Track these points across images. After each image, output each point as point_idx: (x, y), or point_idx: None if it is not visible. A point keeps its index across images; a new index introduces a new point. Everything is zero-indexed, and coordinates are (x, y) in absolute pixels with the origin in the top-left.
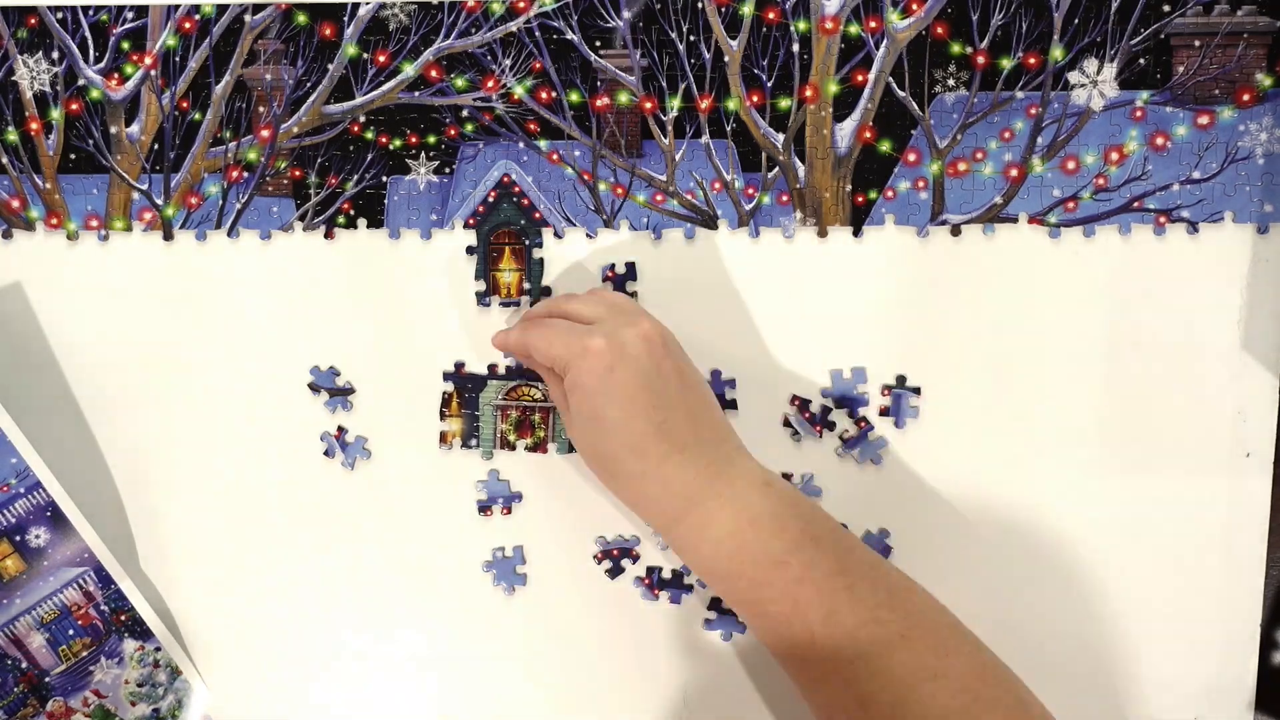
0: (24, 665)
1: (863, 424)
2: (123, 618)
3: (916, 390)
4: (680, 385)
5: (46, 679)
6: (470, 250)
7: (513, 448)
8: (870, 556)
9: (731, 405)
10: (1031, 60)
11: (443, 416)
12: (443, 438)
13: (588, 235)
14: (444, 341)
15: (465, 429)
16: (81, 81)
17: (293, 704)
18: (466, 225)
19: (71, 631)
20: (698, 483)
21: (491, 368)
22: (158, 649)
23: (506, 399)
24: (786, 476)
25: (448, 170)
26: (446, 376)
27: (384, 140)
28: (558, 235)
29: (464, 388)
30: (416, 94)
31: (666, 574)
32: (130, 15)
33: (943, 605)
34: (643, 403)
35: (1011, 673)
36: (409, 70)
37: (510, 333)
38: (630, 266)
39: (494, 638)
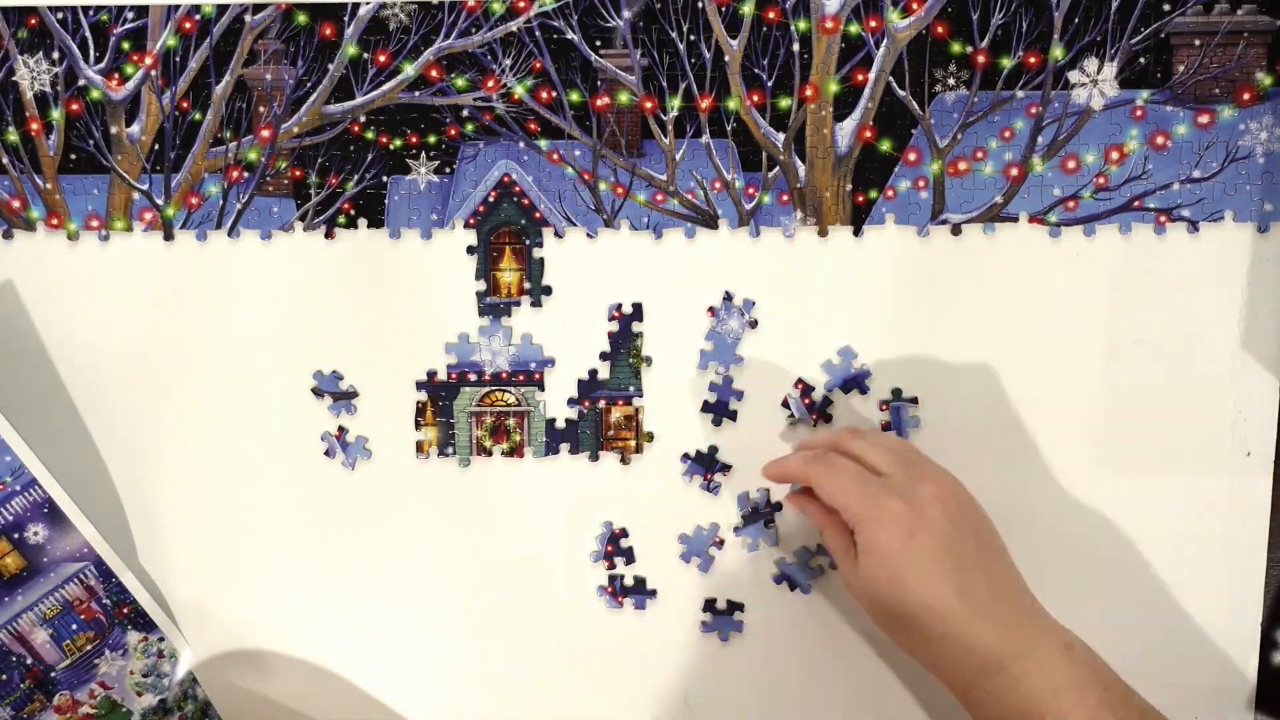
0: (29, 661)
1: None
2: (125, 610)
3: (914, 400)
4: (978, 545)
5: (52, 673)
6: (470, 250)
7: (489, 454)
8: (1155, 716)
9: (730, 414)
10: (1032, 59)
11: (418, 426)
12: (419, 447)
13: (588, 235)
14: (443, 341)
15: (441, 437)
16: (82, 82)
17: (287, 691)
18: (467, 225)
19: (75, 626)
20: (1000, 646)
21: (464, 374)
22: (161, 639)
23: (480, 405)
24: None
25: (448, 170)
26: (419, 385)
27: (384, 140)
28: (558, 235)
29: (438, 396)
30: (417, 94)
31: (629, 580)
32: (130, 15)
33: None
34: (945, 567)
35: None
36: (409, 70)
37: (790, 462)
38: (637, 308)
39: (493, 636)
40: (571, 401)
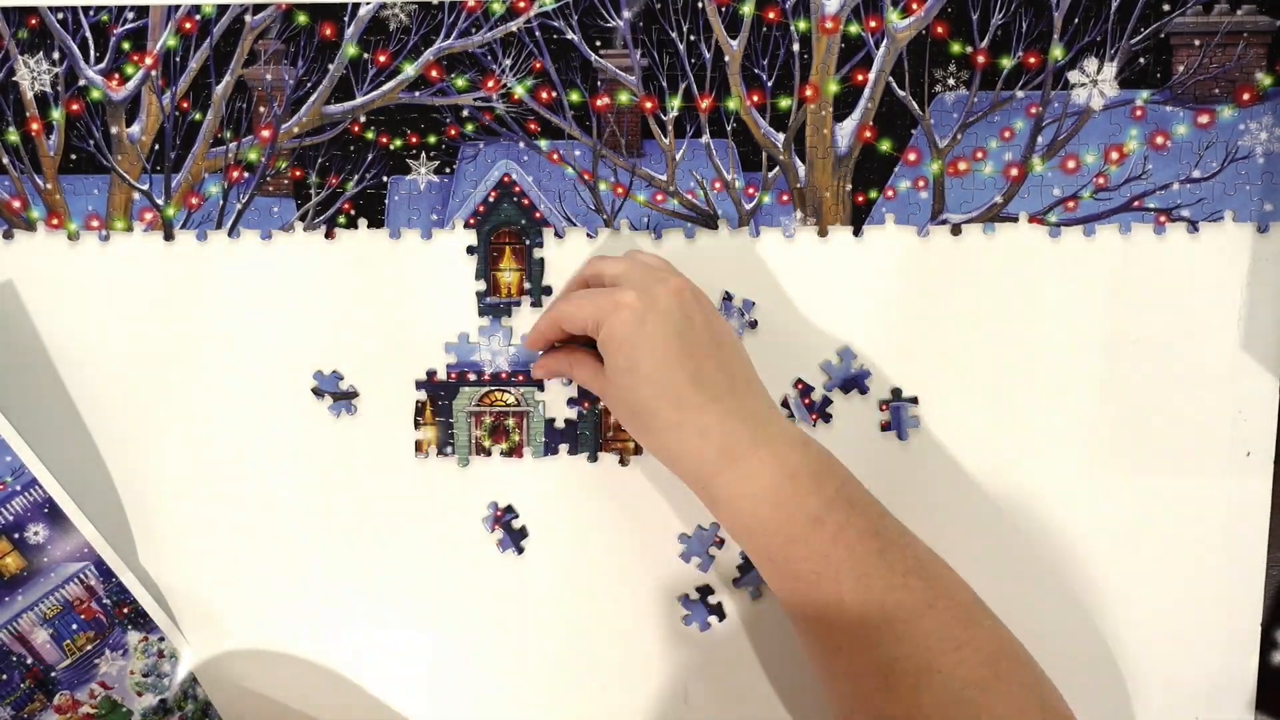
0: (29, 661)
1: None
2: (125, 610)
3: (914, 400)
4: (712, 337)
5: (53, 673)
6: (471, 250)
7: (488, 453)
8: (899, 524)
9: None
10: (1031, 60)
11: (417, 426)
12: (418, 446)
13: (588, 235)
14: (443, 341)
15: (440, 437)
16: (82, 82)
17: (287, 691)
18: (467, 225)
19: (75, 626)
20: (736, 435)
21: (464, 373)
22: (161, 639)
23: (480, 405)
24: None
25: (448, 170)
26: (419, 385)
27: (384, 140)
28: (558, 235)
29: (437, 396)
30: (417, 94)
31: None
32: (131, 15)
33: (964, 580)
34: (676, 351)
35: (1027, 653)
36: (409, 70)
37: (539, 322)
38: None
39: (493, 634)
40: (571, 402)
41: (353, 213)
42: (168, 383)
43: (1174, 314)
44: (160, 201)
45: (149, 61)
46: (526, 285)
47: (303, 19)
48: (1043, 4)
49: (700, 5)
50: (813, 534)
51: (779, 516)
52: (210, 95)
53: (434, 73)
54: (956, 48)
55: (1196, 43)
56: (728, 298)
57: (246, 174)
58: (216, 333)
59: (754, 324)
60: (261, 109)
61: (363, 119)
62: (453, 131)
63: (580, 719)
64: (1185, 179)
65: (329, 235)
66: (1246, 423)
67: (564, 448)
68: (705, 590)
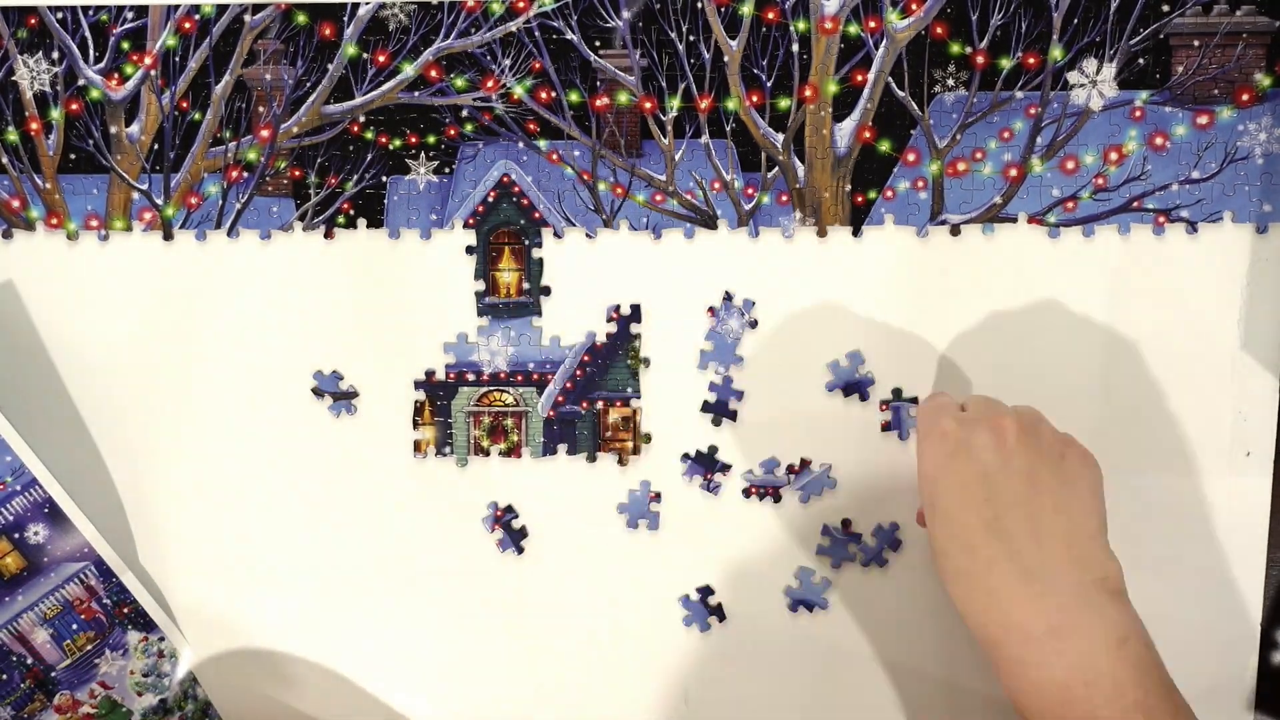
0: (30, 661)
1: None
2: (125, 610)
3: (914, 400)
4: (1027, 487)
5: (53, 673)
6: (470, 250)
7: (487, 454)
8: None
9: (730, 414)
10: (1031, 60)
11: (416, 425)
12: (417, 446)
13: (587, 235)
14: (442, 341)
15: (439, 437)
16: (81, 81)
17: (287, 691)
18: (466, 225)
19: (75, 626)
20: (1032, 611)
21: (463, 374)
22: (161, 639)
23: (478, 405)
24: (805, 464)
25: (447, 170)
26: (418, 385)
27: (384, 140)
28: (557, 235)
29: (435, 396)
30: (416, 94)
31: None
32: (130, 15)
33: None
34: (974, 495)
35: None
36: (409, 70)
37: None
38: (635, 308)
39: (493, 636)
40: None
41: (352, 213)
42: (167, 382)
43: (1174, 314)
44: (159, 201)
45: (148, 61)
46: (525, 285)
47: (302, 19)
48: (1042, 4)
49: (700, 5)
50: None
51: (1062, 714)
52: (209, 95)
53: (433, 73)
54: (956, 48)
55: (1196, 43)
56: (728, 297)
57: (246, 174)
58: (216, 332)
59: (754, 324)
60: (261, 109)
61: (362, 119)
62: (452, 131)
63: (580, 719)
64: (1184, 180)
65: (328, 235)
66: (1246, 423)
67: (562, 448)
68: (705, 590)
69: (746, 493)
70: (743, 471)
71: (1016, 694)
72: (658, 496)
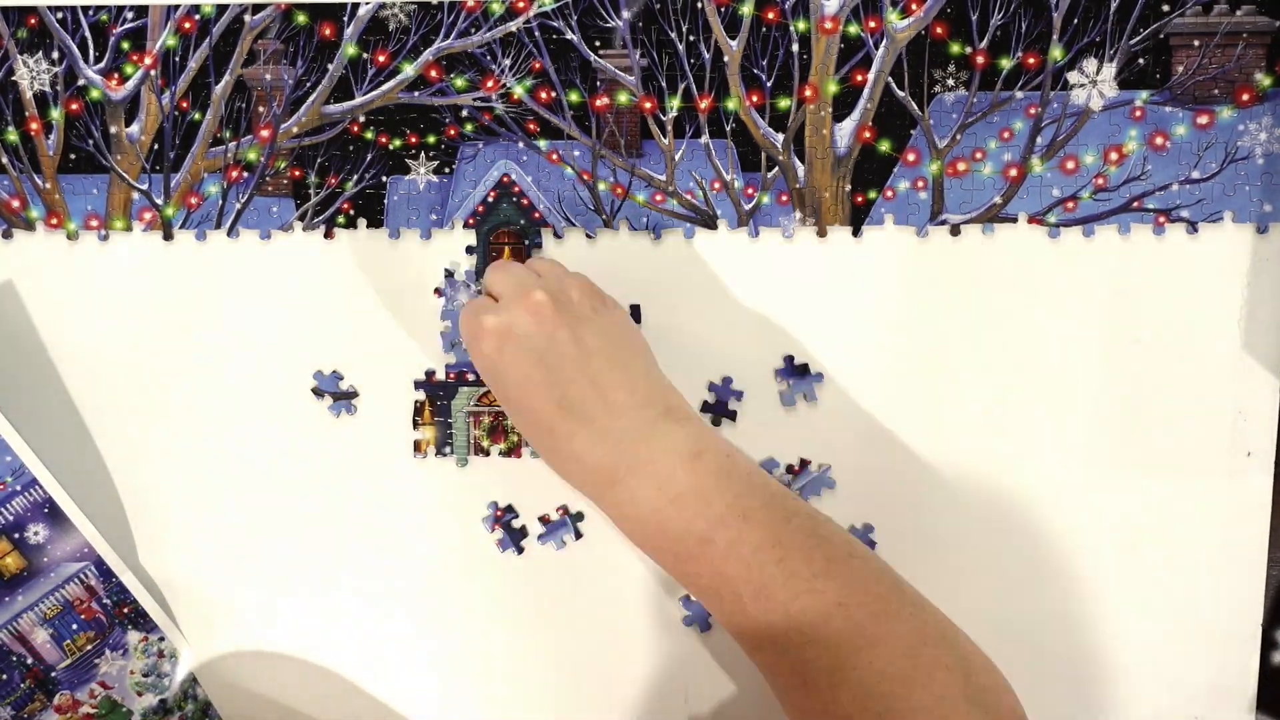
0: (29, 661)
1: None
2: (125, 610)
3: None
4: (579, 354)
5: (52, 673)
6: (470, 250)
7: (487, 454)
8: (809, 523)
9: (729, 414)
10: (1031, 60)
11: (416, 425)
12: (417, 446)
13: (587, 235)
14: (442, 341)
15: (439, 437)
16: (81, 81)
17: (287, 691)
18: (466, 225)
19: (75, 626)
20: (612, 458)
21: (463, 373)
22: (161, 639)
23: (478, 405)
24: (804, 464)
25: (447, 170)
26: (418, 385)
27: (384, 140)
28: (557, 235)
29: (435, 396)
30: (416, 94)
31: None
32: (130, 15)
33: (885, 566)
34: (537, 380)
35: (954, 629)
36: (409, 70)
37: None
38: (635, 308)
39: (492, 634)
40: None
41: (352, 213)
42: (167, 382)
43: (1174, 314)
44: (159, 201)
45: (148, 61)
46: None
47: (302, 19)
48: (1042, 4)
49: (699, 5)
50: (703, 552)
51: (665, 537)
52: (209, 95)
53: (433, 73)
54: (956, 48)
55: (1196, 43)
56: (449, 274)
57: (246, 174)
58: (216, 333)
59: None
60: (261, 109)
61: (362, 119)
62: (452, 131)
63: (580, 719)
64: (1184, 180)
65: (328, 235)
66: (1246, 423)
67: None
68: None
69: None
70: None
71: (630, 535)
72: None
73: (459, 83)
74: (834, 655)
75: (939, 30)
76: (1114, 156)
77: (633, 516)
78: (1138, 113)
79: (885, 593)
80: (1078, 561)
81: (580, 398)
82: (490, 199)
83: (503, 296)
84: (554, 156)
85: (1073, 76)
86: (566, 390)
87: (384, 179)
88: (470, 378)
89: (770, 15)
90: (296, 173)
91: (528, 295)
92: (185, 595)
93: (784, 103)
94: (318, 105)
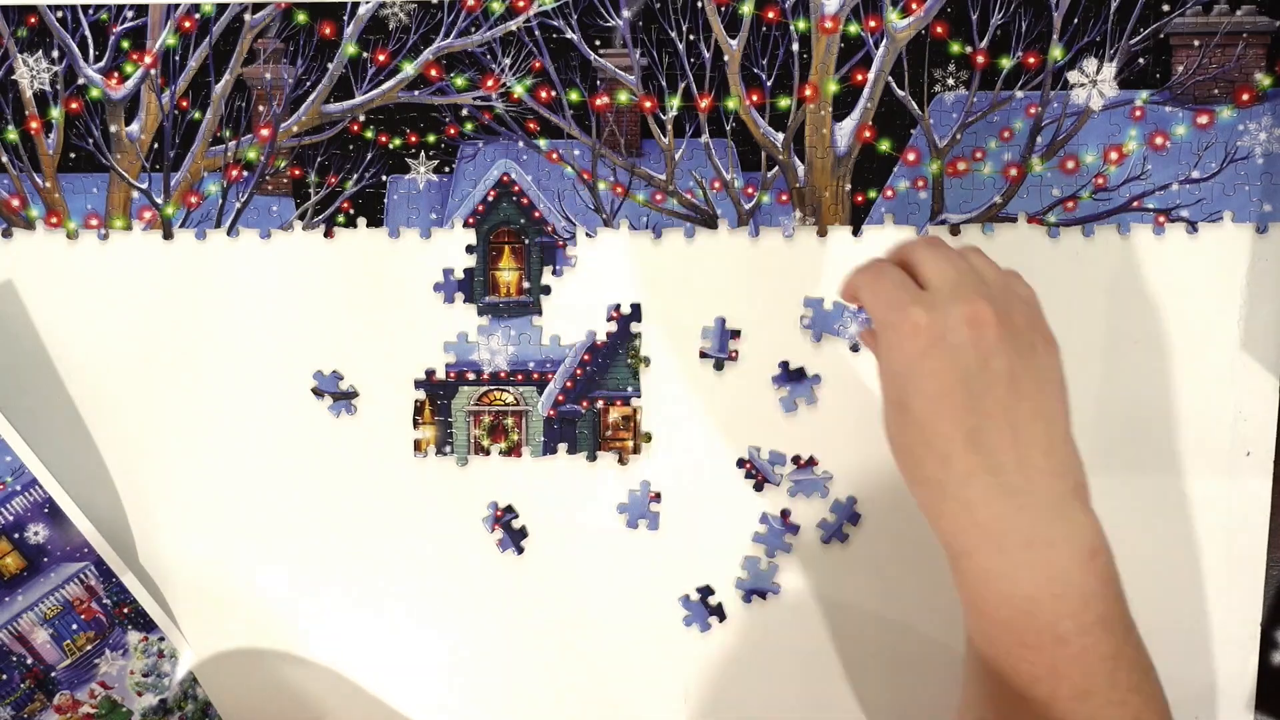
0: (29, 661)
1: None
2: (125, 610)
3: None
4: (1009, 391)
5: (53, 673)
6: (470, 249)
7: (487, 453)
8: (1136, 636)
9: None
10: (1031, 60)
11: (416, 425)
12: (417, 445)
13: (587, 235)
14: (442, 341)
15: (439, 436)
16: (81, 80)
17: (287, 691)
18: (466, 225)
19: (75, 626)
20: (1007, 521)
21: (463, 373)
22: (161, 639)
23: (479, 404)
24: (812, 461)
25: (447, 169)
26: (418, 384)
27: (384, 139)
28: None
29: (435, 395)
30: (416, 93)
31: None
32: (130, 14)
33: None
34: (955, 402)
35: None
36: (409, 69)
37: (851, 276)
38: (635, 308)
39: (492, 635)
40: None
41: (352, 212)
42: (167, 382)
43: (1174, 314)
44: (159, 200)
45: (148, 60)
46: (525, 285)
47: (302, 18)
48: (1042, 4)
49: (700, 5)
50: (1053, 649)
51: (1025, 626)
52: (209, 94)
53: (433, 72)
54: (956, 48)
55: (1196, 43)
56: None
57: (245, 173)
58: (215, 332)
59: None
60: (261, 108)
61: (362, 118)
62: (452, 131)
63: (580, 718)
64: (1184, 179)
65: (328, 234)
66: (1246, 423)
67: (563, 447)
68: (705, 590)
69: (740, 463)
70: (736, 458)
71: (979, 604)
72: (658, 496)
73: (459, 82)
74: None
75: (939, 30)
76: (1114, 156)
77: (1000, 593)
78: (1138, 112)
79: (1164, 711)
80: None
81: (996, 440)
82: (490, 198)
83: (937, 290)
84: (554, 156)
85: (1073, 76)
86: (983, 424)
87: (384, 178)
88: (470, 377)
89: (770, 14)
90: (296, 172)
91: (971, 302)
92: (185, 595)
93: (784, 102)
94: (318, 104)
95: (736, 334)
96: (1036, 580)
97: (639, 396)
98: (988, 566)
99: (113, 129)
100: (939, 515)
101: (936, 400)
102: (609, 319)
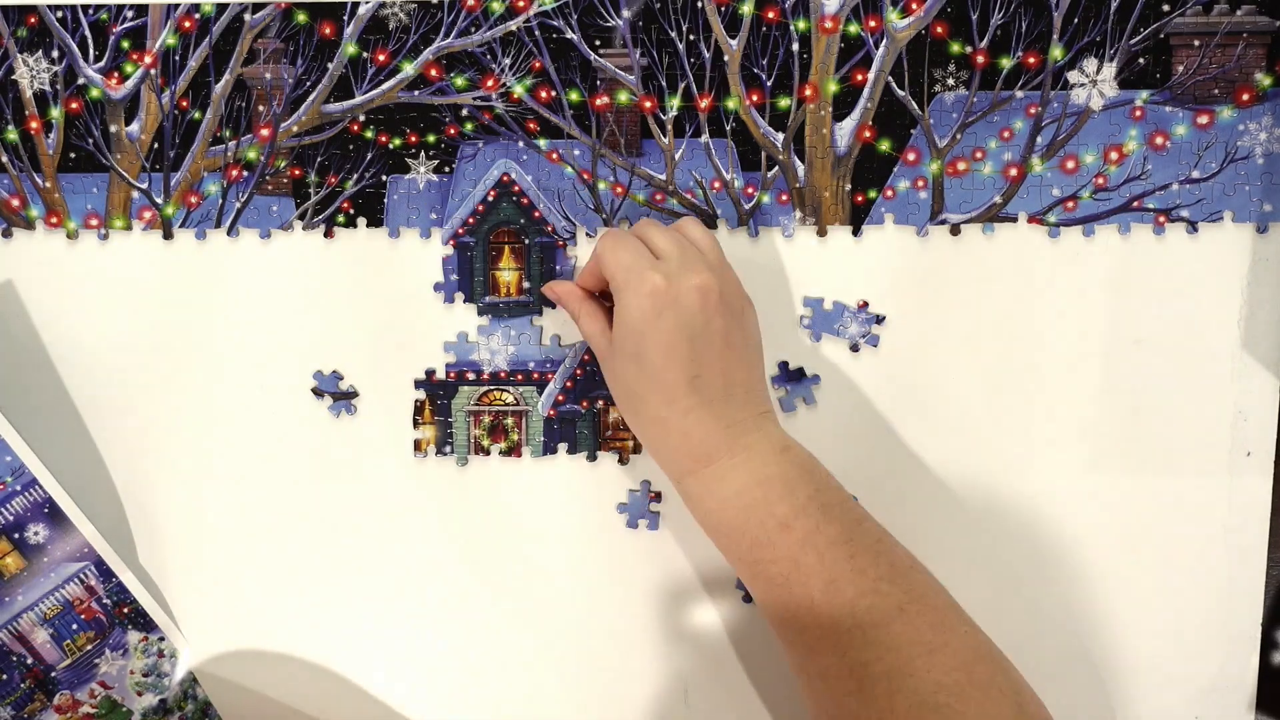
0: (29, 661)
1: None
2: (125, 610)
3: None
4: (724, 345)
5: (53, 673)
6: (467, 249)
7: (487, 453)
8: (877, 530)
9: None
10: (1031, 60)
11: (416, 425)
12: (417, 446)
13: (588, 235)
14: (442, 341)
15: (439, 436)
16: (81, 80)
17: (287, 691)
18: (456, 235)
19: (75, 626)
20: (716, 439)
21: (463, 373)
22: (161, 639)
23: (479, 404)
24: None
25: (447, 169)
26: (418, 384)
27: (384, 139)
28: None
29: (435, 395)
30: (416, 93)
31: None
32: (130, 14)
33: (942, 586)
34: (682, 353)
35: (1006, 659)
36: (409, 69)
37: (597, 241)
38: None
39: (492, 635)
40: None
41: (352, 212)
42: (167, 382)
43: (1174, 314)
44: (159, 200)
45: (148, 60)
46: (525, 284)
47: (302, 18)
48: (1042, 4)
49: (700, 5)
50: (780, 538)
51: (747, 519)
52: (209, 94)
53: (433, 72)
54: (956, 48)
55: (1196, 43)
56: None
57: (245, 173)
58: (215, 332)
59: None
60: (261, 108)
61: (362, 118)
62: (452, 131)
63: (580, 718)
64: (1185, 179)
65: (328, 234)
66: (1246, 423)
67: (563, 447)
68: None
69: None
70: None
71: (706, 514)
72: (658, 496)
73: (459, 82)
74: (893, 659)
75: (939, 30)
76: (1114, 156)
77: (719, 495)
78: (1138, 112)
79: (943, 606)
80: (1077, 562)
81: (710, 382)
82: (490, 198)
83: (669, 259)
84: (554, 156)
85: (1073, 76)
86: (701, 371)
87: (384, 178)
88: (470, 377)
89: (770, 14)
90: (296, 172)
91: (696, 273)
92: (185, 595)
93: (784, 102)
94: (318, 104)
95: None
96: (741, 475)
97: None
98: (705, 476)
99: (113, 129)
100: (661, 445)
101: (666, 353)
102: None
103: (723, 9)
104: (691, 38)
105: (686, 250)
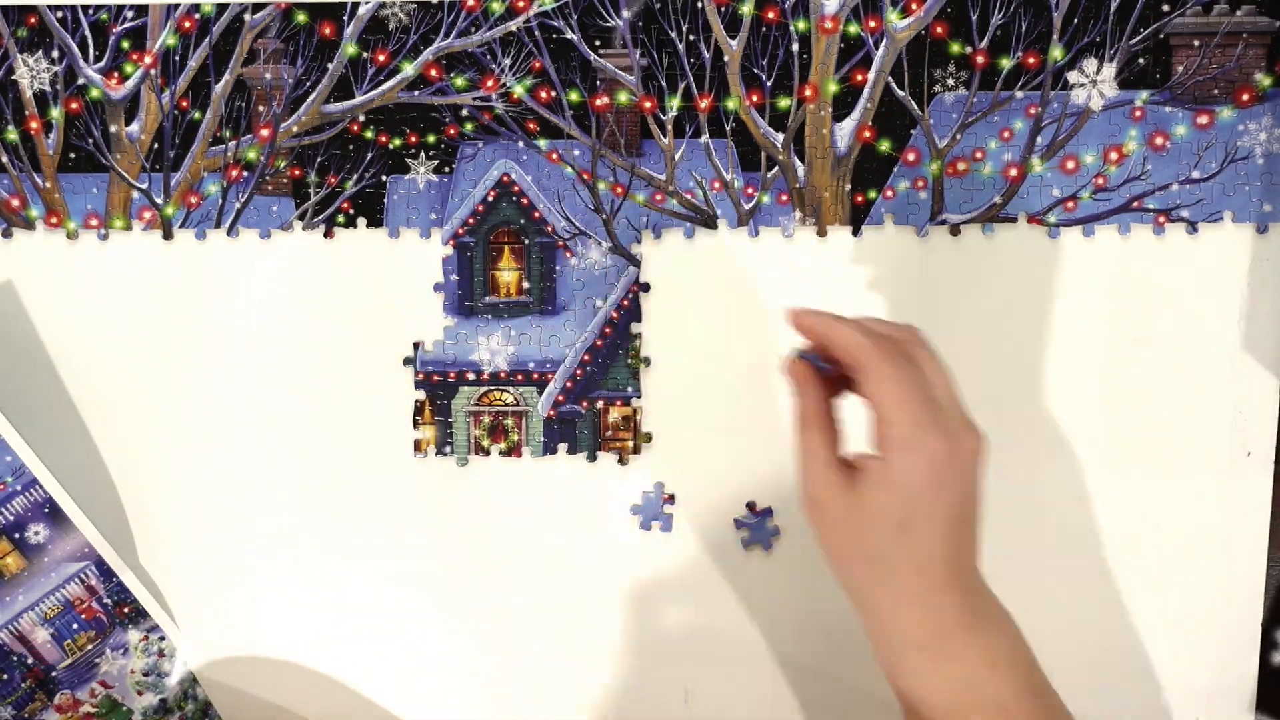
0: (30, 660)
1: None
2: (125, 609)
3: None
4: (975, 512)
5: (53, 673)
6: (467, 249)
7: (487, 453)
8: (1059, 697)
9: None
10: (1031, 60)
11: (416, 425)
12: (417, 446)
13: (595, 240)
14: (442, 339)
15: (439, 436)
16: (81, 80)
17: (287, 691)
18: (456, 236)
19: (75, 625)
20: (953, 616)
21: (463, 373)
22: (162, 639)
23: (479, 404)
24: None
25: (447, 170)
26: (418, 385)
27: (384, 139)
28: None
29: (435, 395)
30: (416, 93)
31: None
32: (130, 14)
33: None
34: (957, 531)
35: None
36: (409, 69)
37: (831, 320)
38: (636, 308)
39: (491, 635)
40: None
41: (352, 212)
42: (167, 381)
43: (1174, 314)
44: (159, 200)
45: (148, 60)
46: (525, 285)
47: (302, 18)
48: (1042, 4)
49: (700, 5)
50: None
51: (970, 702)
52: (209, 94)
53: (433, 72)
54: (956, 48)
55: (1196, 43)
56: None
57: (245, 173)
58: (215, 332)
59: None
60: (261, 108)
61: (362, 118)
62: (452, 131)
63: (580, 719)
64: (1184, 179)
65: (328, 234)
66: (1246, 423)
67: (563, 447)
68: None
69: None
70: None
71: (928, 691)
72: (672, 498)
73: (459, 82)
74: None
75: (939, 30)
76: (1114, 156)
77: (945, 676)
78: (1138, 113)
79: None
80: (1077, 561)
81: (964, 553)
82: (490, 198)
83: (945, 408)
84: (554, 156)
85: (1073, 76)
86: (965, 544)
87: (384, 178)
88: (470, 377)
89: (770, 15)
90: (296, 172)
91: (970, 432)
92: (186, 595)
93: (784, 102)
94: (318, 104)
95: None
96: (975, 656)
97: (639, 396)
98: (933, 655)
99: (113, 129)
100: (892, 617)
101: (943, 527)
102: (609, 319)
103: (723, 9)
104: (691, 38)
105: (951, 388)
